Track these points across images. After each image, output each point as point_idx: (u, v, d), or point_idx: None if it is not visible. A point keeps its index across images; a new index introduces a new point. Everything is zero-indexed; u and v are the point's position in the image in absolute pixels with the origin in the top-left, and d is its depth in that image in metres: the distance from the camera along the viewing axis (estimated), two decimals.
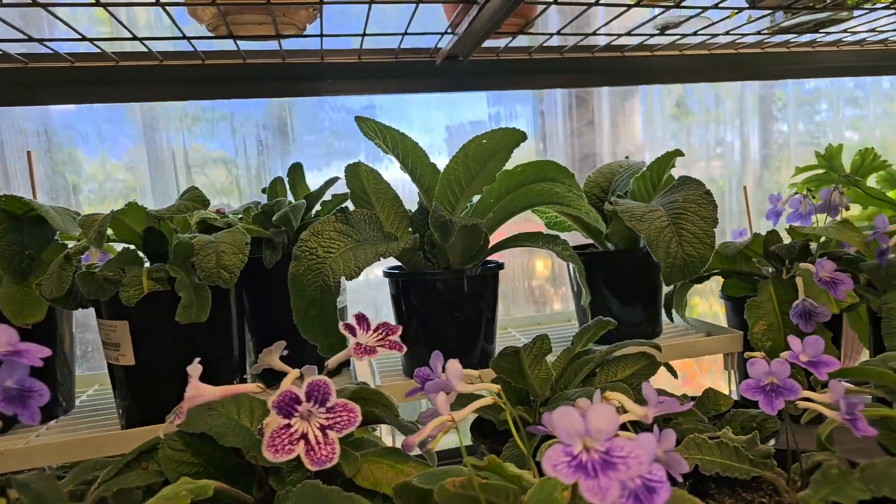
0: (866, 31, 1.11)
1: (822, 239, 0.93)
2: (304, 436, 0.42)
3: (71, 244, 0.74)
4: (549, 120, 1.36)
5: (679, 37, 1.01)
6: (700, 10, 0.87)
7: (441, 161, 0.83)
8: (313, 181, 0.96)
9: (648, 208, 0.78)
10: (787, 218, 1.00)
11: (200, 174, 1.19)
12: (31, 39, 0.78)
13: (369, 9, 0.77)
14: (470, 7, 0.76)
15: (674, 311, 0.99)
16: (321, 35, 0.84)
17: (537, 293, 1.40)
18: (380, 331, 0.53)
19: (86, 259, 0.82)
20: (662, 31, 0.95)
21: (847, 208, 0.95)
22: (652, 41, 1.02)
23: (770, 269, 0.97)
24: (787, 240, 0.96)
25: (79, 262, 0.74)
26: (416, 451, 0.51)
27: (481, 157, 0.79)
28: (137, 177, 1.15)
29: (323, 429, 0.43)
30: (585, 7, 0.83)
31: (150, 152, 1.14)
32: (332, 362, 0.53)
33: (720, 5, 0.84)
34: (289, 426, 0.42)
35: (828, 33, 1.08)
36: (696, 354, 0.93)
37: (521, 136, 0.77)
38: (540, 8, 0.86)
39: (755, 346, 0.85)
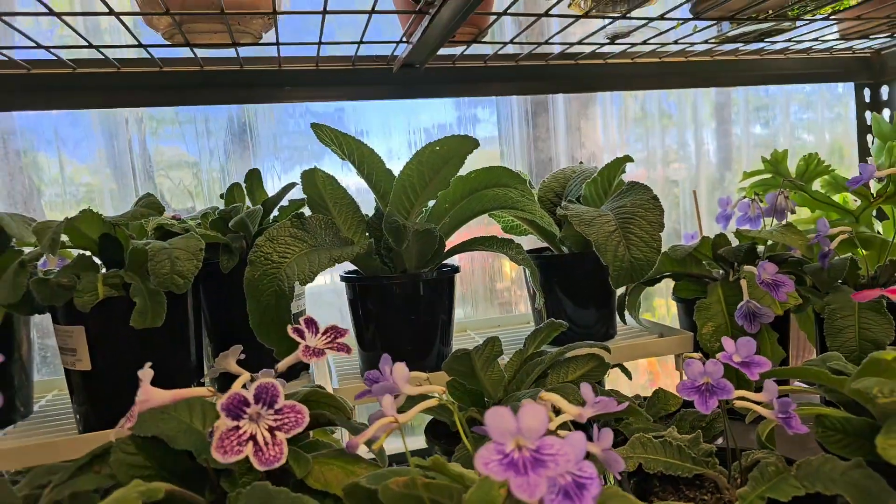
0: (811, 41, 1.15)
1: (769, 242, 0.96)
2: (253, 437, 0.43)
3: (28, 250, 0.75)
4: (516, 126, 1.38)
5: (629, 45, 1.04)
6: (647, 21, 0.90)
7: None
8: (280, 186, 0.95)
9: (597, 213, 0.80)
10: (736, 221, 1.01)
11: (166, 178, 1.19)
12: None
13: (323, 18, 0.79)
14: (422, 17, 0.78)
15: (626, 312, 1.01)
16: (277, 43, 0.85)
17: (503, 295, 1.42)
18: (328, 333, 0.54)
19: (44, 265, 0.82)
20: (613, 40, 0.97)
21: (793, 211, 0.97)
22: (604, 49, 1.05)
23: (719, 272, 0.99)
24: (736, 243, 0.98)
25: (35, 268, 0.74)
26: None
27: (435, 164, 0.80)
28: (102, 180, 1.14)
29: (271, 430, 0.44)
30: (535, 18, 0.85)
31: (116, 156, 1.14)
32: (281, 366, 0.55)
33: (666, 16, 0.87)
34: (238, 428, 0.43)
35: (774, 42, 1.12)
36: (648, 355, 0.96)
37: (473, 143, 0.79)
38: (492, 18, 0.88)
39: (704, 347, 0.86)
